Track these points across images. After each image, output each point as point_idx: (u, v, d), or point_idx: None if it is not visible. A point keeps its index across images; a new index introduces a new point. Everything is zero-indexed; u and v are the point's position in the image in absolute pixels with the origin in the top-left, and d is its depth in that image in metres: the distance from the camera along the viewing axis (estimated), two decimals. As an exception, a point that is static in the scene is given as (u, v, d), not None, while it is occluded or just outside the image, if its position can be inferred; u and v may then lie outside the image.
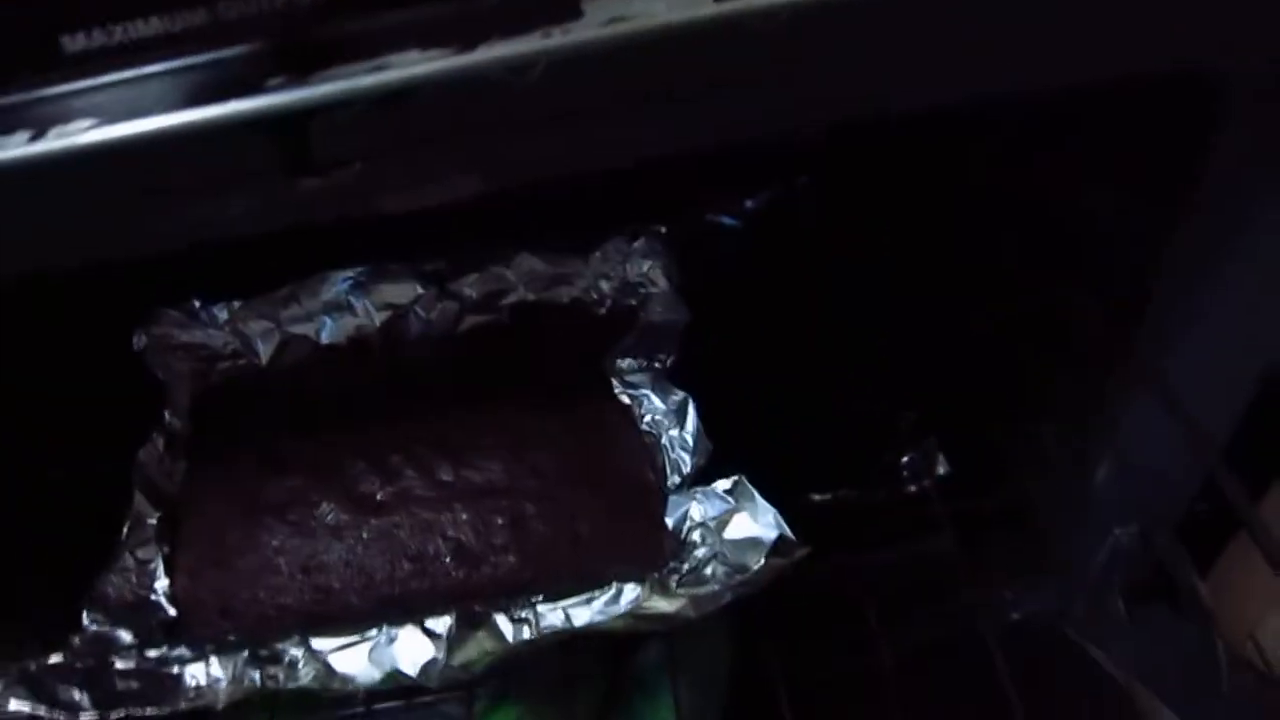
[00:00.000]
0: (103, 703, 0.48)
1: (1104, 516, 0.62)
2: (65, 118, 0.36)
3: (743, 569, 0.51)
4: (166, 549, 0.57)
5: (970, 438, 0.68)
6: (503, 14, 0.35)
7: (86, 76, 0.36)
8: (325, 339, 0.67)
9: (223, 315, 0.66)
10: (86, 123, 0.36)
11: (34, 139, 0.35)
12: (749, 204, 0.70)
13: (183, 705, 0.48)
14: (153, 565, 0.57)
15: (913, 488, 0.69)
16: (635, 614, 0.50)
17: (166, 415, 0.63)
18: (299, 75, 0.35)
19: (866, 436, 0.71)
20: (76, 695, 0.48)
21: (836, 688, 0.62)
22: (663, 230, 0.66)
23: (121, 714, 0.48)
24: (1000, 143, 0.64)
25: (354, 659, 0.51)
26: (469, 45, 0.35)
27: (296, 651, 0.51)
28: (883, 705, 0.58)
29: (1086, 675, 0.65)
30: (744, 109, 0.40)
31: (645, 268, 0.66)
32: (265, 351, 0.67)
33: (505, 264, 0.67)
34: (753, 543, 0.52)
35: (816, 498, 0.71)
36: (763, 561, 0.50)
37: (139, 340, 0.65)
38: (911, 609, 0.65)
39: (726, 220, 0.69)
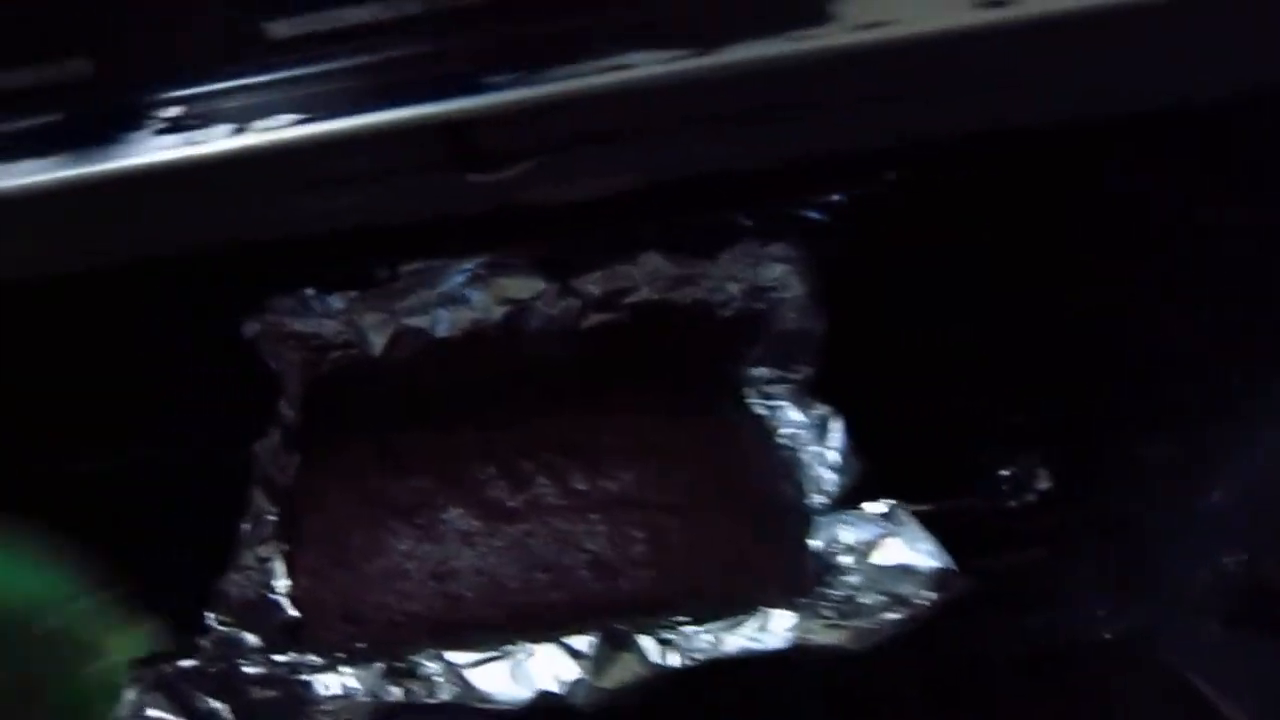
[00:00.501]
0: (242, 713, 0.46)
1: (1210, 540, 0.60)
2: (266, 111, 0.34)
3: (902, 600, 0.48)
4: (285, 547, 0.56)
5: (1074, 450, 0.65)
6: (747, 15, 0.32)
7: (290, 66, 0.34)
8: (441, 332, 0.65)
9: (337, 304, 0.64)
10: (289, 118, 0.33)
11: (237, 133, 0.33)
12: (836, 198, 0.66)
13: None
14: (272, 564, 0.55)
15: (1012, 503, 0.66)
16: (797, 645, 0.48)
17: (281, 406, 0.61)
18: (525, 69, 0.33)
19: (967, 447, 0.68)
20: (213, 704, 0.47)
21: (912, 702, 0.59)
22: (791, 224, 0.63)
23: (261, 726, 0.46)
24: (1120, 145, 0.62)
25: (494, 676, 0.48)
26: (709, 47, 0.32)
27: (433, 666, 0.49)
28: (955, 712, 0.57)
29: (1178, 697, 0.63)
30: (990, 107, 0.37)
31: (778, 272, 0.63)
32: (378, 343, 0.65)
33: (630, 261, 0.64)
34: (906, 571, 0.50)
35: (912, 508, 0.69)
36: (925, 594, 0.48)
37: (250, 328, 0.63)
38: (997, 622, 0.63)
39: (811, 215, 0.65)
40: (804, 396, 0.57)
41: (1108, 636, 0.58)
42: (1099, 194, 0.67)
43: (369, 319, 0.64)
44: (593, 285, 0.64)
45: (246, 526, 0.55)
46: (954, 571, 0.49)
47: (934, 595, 0.48)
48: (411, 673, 0.48)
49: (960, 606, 0.58)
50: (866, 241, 0.66)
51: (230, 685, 0.48)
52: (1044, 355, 0.67)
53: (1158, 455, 0.62)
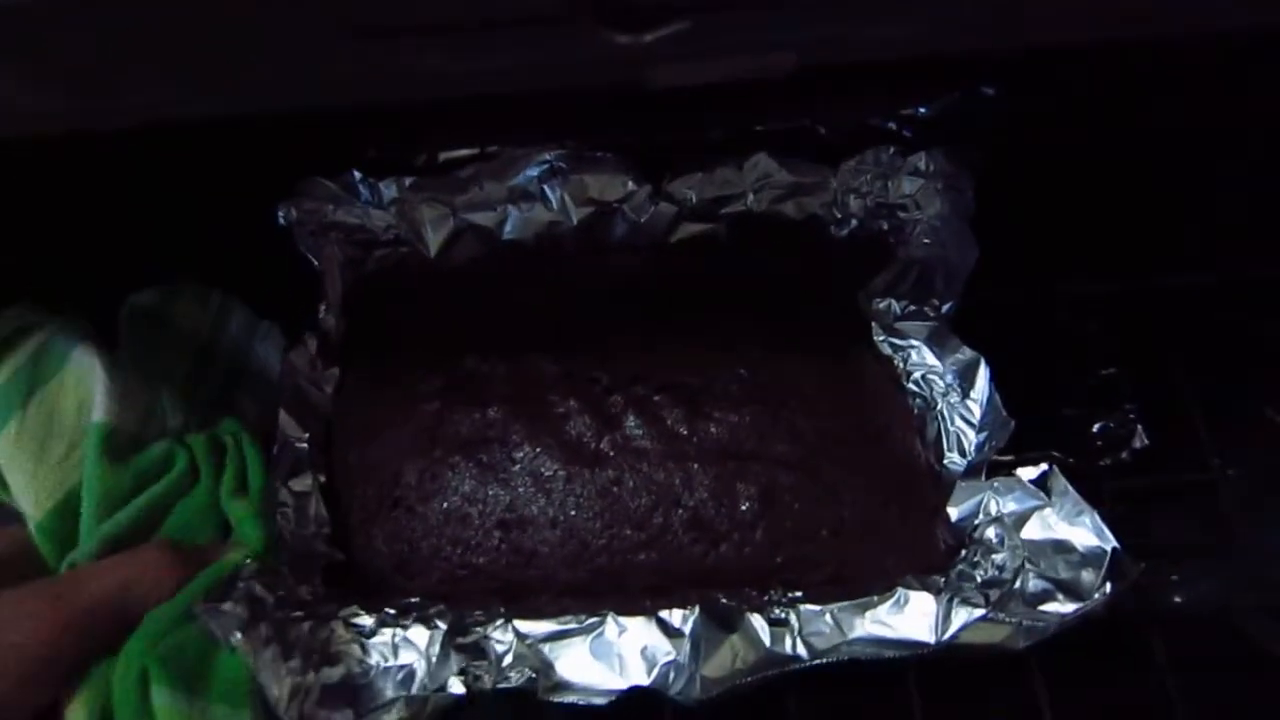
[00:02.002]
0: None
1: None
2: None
3: (1067, 588, 0.40)
4: (323, 478, 0.47)
5: (1166, 408, 0.57)
6: None
7: None
8: (509, 233, 0.55)
9: (389, 192, 0.54)
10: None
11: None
12: (922, 111, 0.56)
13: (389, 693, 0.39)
14: (312, 500, 0.46)
15: (1107, 460, 0.58)
16: (941, 635, 0.40)
17: (321, 310, 0.52)
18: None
19: (1058, 393, 0.60)
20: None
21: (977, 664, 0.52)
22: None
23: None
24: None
25: (572, 653, 0.41)
26: None
27: (502, 639, 0.41)
28: (1027, 681, 0.50)
29: (1249, 666, 0.58)
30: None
31: (913, 188, 0.53)
32: (434, 241, 0.55)
33: (736, 165, 0.54)
34: (1061, 549, 0.42)
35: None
36: (1093, 579, 0.40)
37: (286, 214, 0.54)
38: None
39: (893, 128, 0.55)
40: (943, 337, 0.48)
41: (1179, 600, 0.51)
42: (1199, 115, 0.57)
43: (425, 211, 0.55)
44: (689, 189, 0.55)
45: (275, 451, 0.47)
46: (1120, 551, 0.41)
47: (1108, 584, 0.40)
48: (478, 647, 0.41)
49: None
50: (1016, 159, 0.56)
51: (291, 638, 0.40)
52: (1136, 296, 0.59)
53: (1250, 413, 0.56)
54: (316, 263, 0.53)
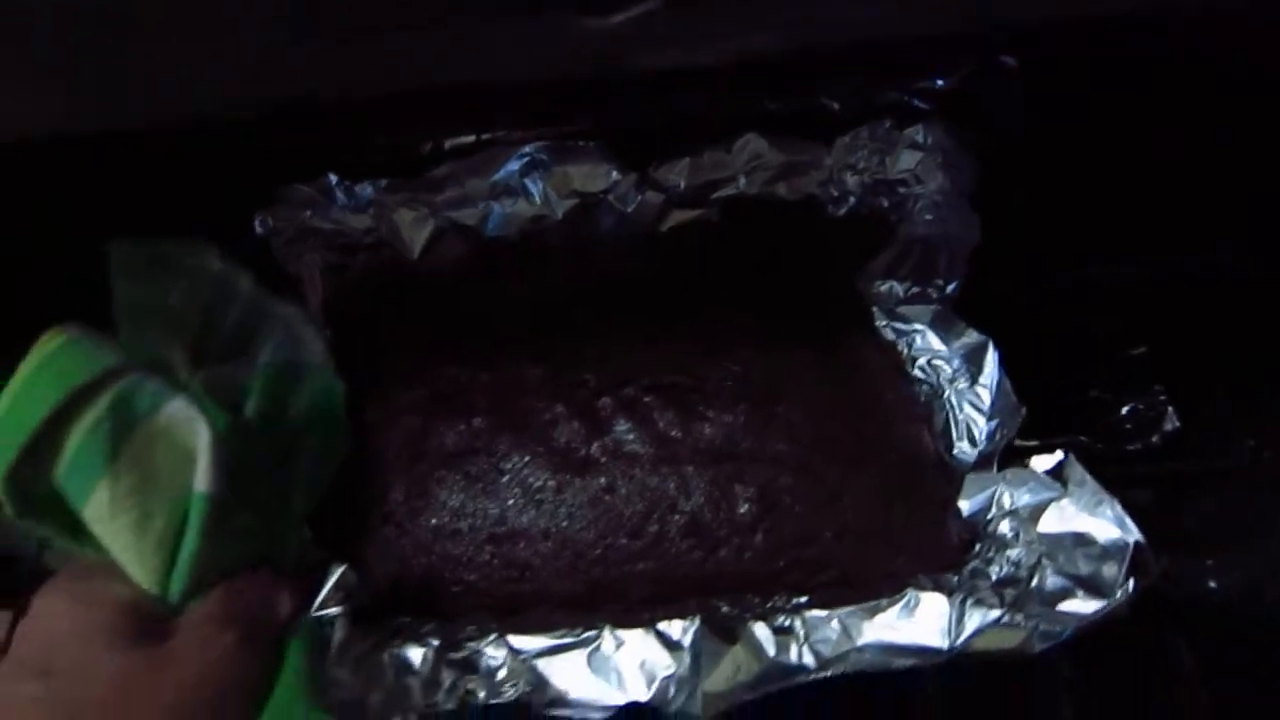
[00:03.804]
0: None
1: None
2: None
3: (1088, 584, 0.38)
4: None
5: (1197, 390, 0.55)
6: None
7: None
8: (492, 230, 0.53)
9: (366, 193, 0.53)
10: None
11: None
12: (940, 84, 0.53)
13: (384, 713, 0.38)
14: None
15: (1136, 444, 0.54)
16: (953, 639, 0.38)
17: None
18: None
19: (1085, 375, 0.56)
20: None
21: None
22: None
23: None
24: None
25: (569, 668, 0.39)
26: None
27: (495, 654, 0.40)
28: (1051, 672, 0.48)
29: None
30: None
31: (912, 162, 0.50)
32: (416, 242, 0.53)
33: (725, 147, 0.52)
34: (1081, 542, 0.40)
35: (1018, 443, 0.58)
36: (1113, 574, 0.38)
37: (262, 223, 0.52)
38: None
39: (911, 101, 0.52)
40: (948, 320, 0.46)
41: (1211, 585, 0.50)
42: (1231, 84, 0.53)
43: (404, 213, 0.53)
44: (677, 175, 0.52)
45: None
46: (1143, 545, 0.39)
47: (1130, 581, 0.38)
48: (471, 663, 0.39)
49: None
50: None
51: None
52: (1164, 274, 0.56)
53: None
54: (293, 271, 0.52)
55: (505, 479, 0.44)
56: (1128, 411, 0.54)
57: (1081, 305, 0.55)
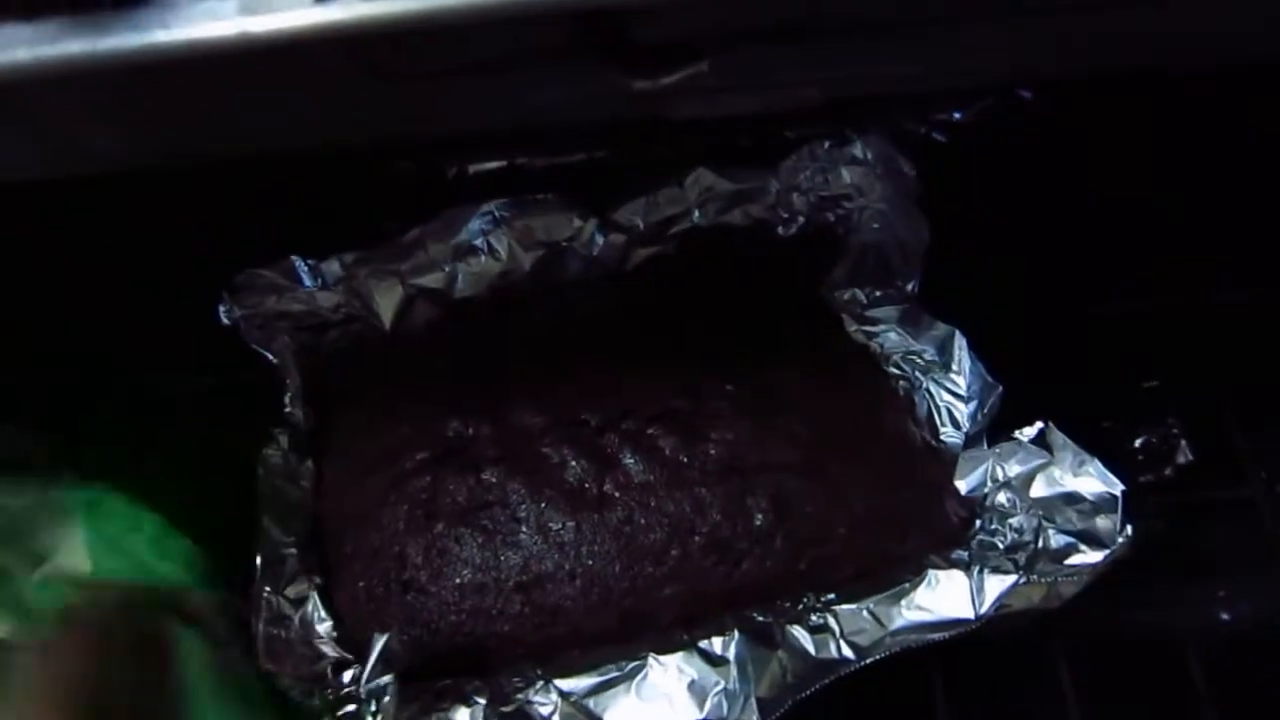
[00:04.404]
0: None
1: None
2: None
3: (1090, 537, 0.41)
4: (318, 580, 0.45)
5: (1210, 423, 0.55)
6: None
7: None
8: (461, 290, 0.54)
9: (333, 269, 0.53)
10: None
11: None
12: (957, 116, 0.56)
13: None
14: (310, 604, 0.44)
15: (1149, 476, 0.53)
16: (982, 609, 0.40)
17: (286, 403, 0.50)
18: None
19: (1098, 404, 0.56)
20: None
21: (1006, 678, 0.50)
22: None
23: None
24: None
25: (620, 702, 0.40)
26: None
27: (545, 700, 0.40)
28: (1060, 697, 0.47)
29: None
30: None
31: (852, 177, 0.54)
32: (387, 312, 0.54)
33: (677, 183, 0.54)
34: (1072, 500, 0.42)
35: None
36: (1120, 526, 0.40)
37: (228, 312, 0.52)
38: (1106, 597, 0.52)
39: (930, 134, 0.56)
40: (915, 316, 0.49)
41: (1225, 618, 0.50)
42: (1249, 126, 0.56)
43: (373, 284, 0.53)
44: (635, 215, 0.54)
45: (259, 564, 0.45)
46: (1130, 493, 0.42)
47: (1128, 526, 0.41)
48: (524, 714, 0.39)
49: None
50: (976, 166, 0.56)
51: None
52: (1180, 304, 0.57)
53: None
54: (270, 356, 0.52)
55: (524, 526, 0.45)
56: (1141, 444, 0.53)
57: (1094, 338, 0.55)
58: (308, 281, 0.53)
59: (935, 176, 0.53)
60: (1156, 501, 0.51)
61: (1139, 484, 0.51)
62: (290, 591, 0.44)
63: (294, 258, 0.52)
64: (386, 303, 0.54)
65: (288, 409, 0.50)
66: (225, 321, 0.52)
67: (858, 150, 0.53)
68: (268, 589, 0.44)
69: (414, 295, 0.54)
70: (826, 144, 0.54)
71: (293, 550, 0.46)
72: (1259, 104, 0.52)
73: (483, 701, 0.40)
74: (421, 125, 0.33)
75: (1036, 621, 0.43)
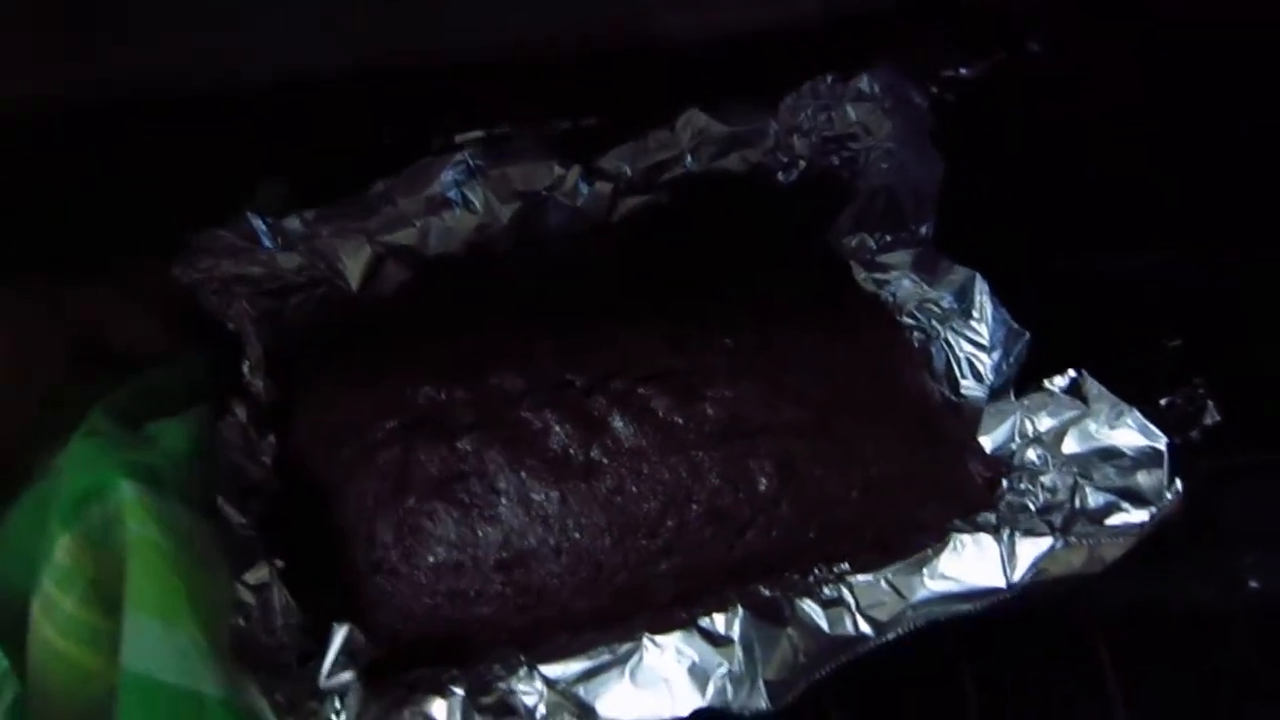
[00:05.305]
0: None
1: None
2: None
3: (1133, 494, 0.37)
4: (280, 562, 0.41)
5: (1239, 383, 0.51)
6: None
7: None
8: (434, 248, 0.50)
9: (293, 228, 0.48)
10: None
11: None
12: (964, 72, 0.53)
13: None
14: (273, 590, 0.40)
15: (1175, 438, 0.44)
16: (1035, 579, 0.36)
17: (245, 372, 0.46)
18: None
19: (1120, 364, 0.53)
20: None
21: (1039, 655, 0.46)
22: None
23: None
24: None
25: (613, 689, 0.36)
26: None
27: (529, 689, 0.36)
28: (1092, 667, 0.44)
29: None
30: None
31: (858, 114, 0.49)
32: (354, 273, 0.49)
33: (668, 126, 0.50)
34: (1111, 455, 0.38)
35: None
36: (1169, 480, 0.36)
37: (183, 275, 0.48)
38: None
39: (935, 91, 0.51)
40: (930, 261, 0.45)
41: (1254, 586, 0.46)
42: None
43: (338, 244, 0.49)
44: (623, 162, 0.50)
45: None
46: (1175, 446, 0.38)
47: (1177, 480, 0.36)
48: (506, 705, 0.35)
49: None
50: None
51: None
52: (1201, 259, 0.54)
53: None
54: (229, 325, 0.47)
55: (503, 499, 0.41)
56: (1166, 405, 0.49)
57: (1113, 295, 0.52)
58: (267, 242, 0.49)
59: (944, 131, 0.49)
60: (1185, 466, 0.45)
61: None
62: (250, 577, 0.40)
63: (251, 214, 0.48)
64: (353, 263, 0.49)
65: (247, 379, 0.46)
66: (182, 283, 0.48)
67: (864, 84, 0.49)
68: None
69: (383, 254, 0.49)
70: (829, 79, 0.49)
71: (251, 532, 0.41)
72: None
73: (460, 692, 0.36)
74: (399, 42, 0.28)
75: (1065, 597, 0.39)
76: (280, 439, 0.46)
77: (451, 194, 0.49)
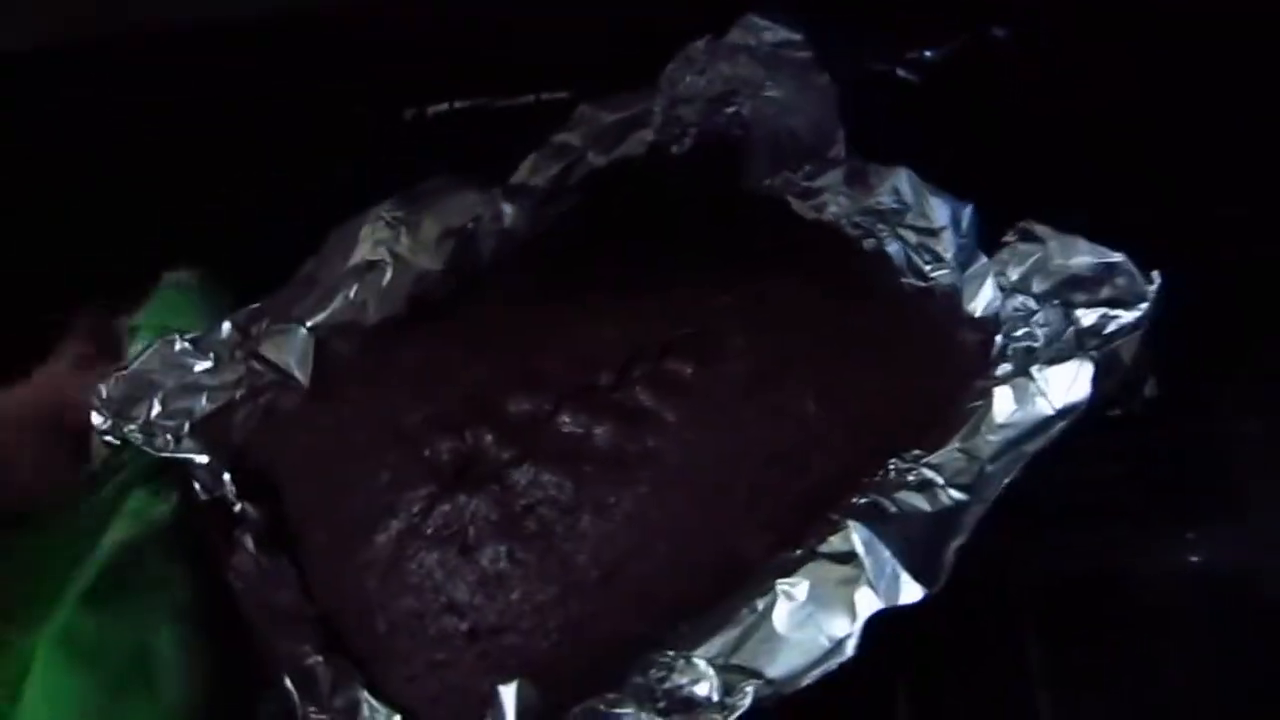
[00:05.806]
0: None
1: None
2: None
3: (1120, 301, 0.41)
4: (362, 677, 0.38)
5: (1178, 355, 0.47)
6: None
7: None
8: (375, 315, 0.47)
9: (218, 338, 0.44)
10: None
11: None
12: (928, 55, 0.54)
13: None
14: (364, 711, 0.37)
15: (1115, 410, 0.46)
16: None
17: (230, 500, 0.41)
18: None
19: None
20: None
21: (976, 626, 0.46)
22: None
23: None
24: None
25: (773, 646, 0.35)
26: None
27: (694, 678, 0.35)
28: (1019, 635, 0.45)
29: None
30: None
31: (733, 68, 0.51)
32: (298, 368, 0.46)
33: (565, 128, 0.50)
34: (1079, 279, 0.42)
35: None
36: (1145, 279, 0.41)
37: (112, 430, 0.42)
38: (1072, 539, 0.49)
39: (899, 73, 0.54)
40: (858, 174, 0.48)
41: (1195, 560, 0.46)
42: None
43: (272, 343, 0.45)
44: (535, 175, 0.50)
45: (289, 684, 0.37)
46: (1128, 259, 0.42)
47: (1153, 273, 0.40)
48: (684, 703, 0.34)
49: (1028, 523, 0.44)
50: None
51: None
52: (1157, 239, 0.49)
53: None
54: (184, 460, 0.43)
55: (581, 515, 0.39)
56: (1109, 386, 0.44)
57: None
58: (191, 365, 0.44)
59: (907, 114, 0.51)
60: (1122, 438, 0.47)
61: (1106, 417, 0.45)
62: (338, 702, 0.36)
63: (173, 338, 0.43)
64: (293, 358, 0.46)
65: (235, 507, 0.41)
66: (112, 442, 0.42)
67: (736, 37, 0.51)
68: (312, 710, 0.36)
69: (324, 337, 0.46)
70: (703, 41, 0.51)
71: (318, 658, 0.37)
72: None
73: (631, 710, 0.34)
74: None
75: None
76: (293, 561, 0.42)
77: (378, 255, 0.47)
